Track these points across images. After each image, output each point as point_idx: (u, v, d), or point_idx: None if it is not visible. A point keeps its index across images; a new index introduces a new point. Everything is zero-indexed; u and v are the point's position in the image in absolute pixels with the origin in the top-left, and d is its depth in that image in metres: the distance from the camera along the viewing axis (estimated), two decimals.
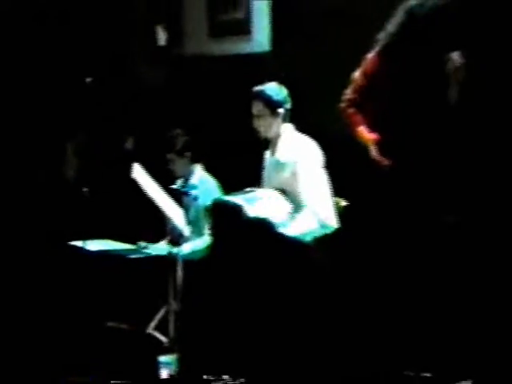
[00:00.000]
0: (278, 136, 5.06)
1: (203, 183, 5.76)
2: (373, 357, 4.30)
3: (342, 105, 4.53)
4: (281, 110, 4.99)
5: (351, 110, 4.45)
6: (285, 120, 5.11)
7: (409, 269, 4.12)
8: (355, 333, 4.35)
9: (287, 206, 4.93)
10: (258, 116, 5.04)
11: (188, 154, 5.79)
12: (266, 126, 5.03)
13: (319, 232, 4.73)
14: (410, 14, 4.40)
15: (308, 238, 4.65)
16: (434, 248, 4.24)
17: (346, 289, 4.44)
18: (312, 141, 5.03)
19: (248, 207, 4.77)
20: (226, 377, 4.38)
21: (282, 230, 4.68)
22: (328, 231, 4.78)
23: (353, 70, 4.52)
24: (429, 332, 4.17)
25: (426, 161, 4.37)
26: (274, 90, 5.06)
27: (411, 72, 4.31)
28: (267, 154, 5.22)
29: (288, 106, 5.09)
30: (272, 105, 5.02)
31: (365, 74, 4.37)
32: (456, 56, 4.40)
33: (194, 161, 5.79)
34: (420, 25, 4.34)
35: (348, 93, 4.46)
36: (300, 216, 4.82)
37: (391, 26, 4.51)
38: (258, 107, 5.05)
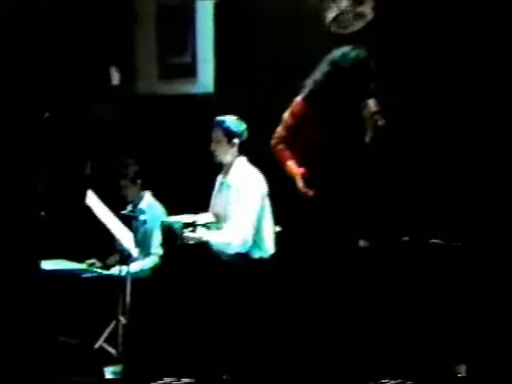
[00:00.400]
0: (231, 163, 5.26)
1: (151, 208, 5.83)
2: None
3: (273, 141, 4.68)
4: (236, 141, 5.21)
5: (281, 146, 4.61)
6: (240, 151, 5.41)
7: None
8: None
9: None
10: (216, 142, 5.24)
11: (139, 181, 5.84)
12: (222, 152, 5.26)
13: (241, 250, 4.90)
14: (335, 64, 4.63)
15: (229, 253, 4.85)
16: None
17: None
18: (259, 173, 5.25)
19: (186, 230, 5.04)
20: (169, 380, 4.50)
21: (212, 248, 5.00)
22: (264, 254, 5.00)
23: (283, 110, 4.65)
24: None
25: (344, 192, 4.52)
26: (234, 122, 5.27)
27: (333, 115, 4.48)
28: (219, 178, 5.36)
29: (243, 138, 5.27)
30: (230, 134, 5.22)
31: (293, 115, 4.55)
32: (372, 103, 4.64)
33: (144, 188, 5.85)
34: (342, 75, 4.55)
35: (278, 131, 4.60)
36: (230, 234, 5.06)
37: (317, 73, 4.69)
38: (217, 134, 5.26)
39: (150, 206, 5.84)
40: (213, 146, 5.30)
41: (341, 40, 5.48)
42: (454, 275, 4.79)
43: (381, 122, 4.60)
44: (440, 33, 5.24)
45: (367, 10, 5.45)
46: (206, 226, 5.23)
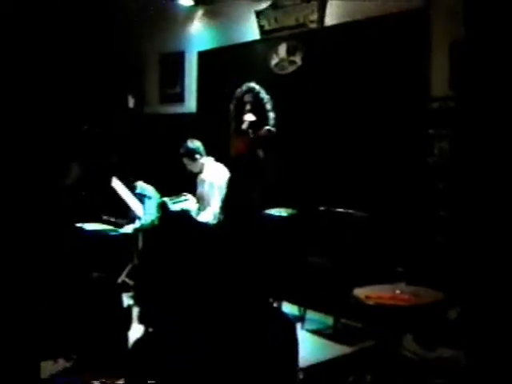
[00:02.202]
0: (202, 166, 5.70)
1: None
2: None
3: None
4: (197, 156, 5.68)
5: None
6: (204, 155, 5.70)
7: None
8: None
9: (195, 205, 5.70)
10: (186, 164, 5.75)
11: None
12: (193, 167, 5.76)
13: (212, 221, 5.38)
14: (239, 99, 5.19)
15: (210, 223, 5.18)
16: None
17: None
18: (222, 166, 5.62)
19: (173, 205, 5.63)
20: None
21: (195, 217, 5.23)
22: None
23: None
24: None
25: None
26: (190, 144, 5.70)
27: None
28: (198, 175, 5.74)
29: (201, 150, 5.68)
30: (191, 155, 5.70)
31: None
32: (265, 130, 5.06)
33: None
34: (241, 104, 5.13)
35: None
36: (206, 211, 5.55)
37: (232, 107, 5.24)
38: (184, 160, 5.74)
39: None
40: (187, 168, 5.77)
41: (279, 78, 6.00)
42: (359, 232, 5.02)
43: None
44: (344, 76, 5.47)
45: (298, 59, 5.82)
46: (184, 200, 5.76)
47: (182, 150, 5.72)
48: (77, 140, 7.14)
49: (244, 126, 5.02)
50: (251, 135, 5.02)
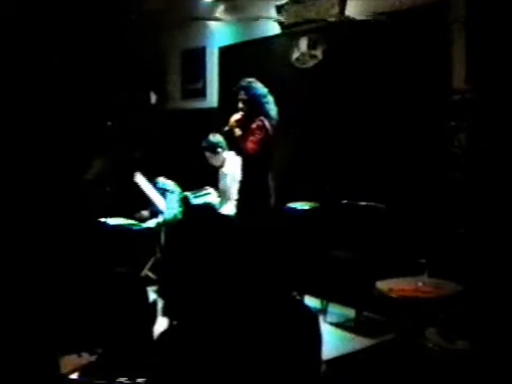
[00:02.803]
0: (224, 160, 5.79)
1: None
2: None
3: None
4: (219, 150, 5.76)
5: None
6: (226, 149, 5.74)
7: None
8: None
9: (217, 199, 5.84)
10: (208, 158, 5.83)
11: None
12: (214, 161, 5.83)
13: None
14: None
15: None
16: None
17: None
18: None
19: (195, 199, 5.77)
20: None
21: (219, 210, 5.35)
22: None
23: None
24: None
25: None
26: (212, 138, 5.77)
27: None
28: (220, 169, 5.82)
29: (223, 144, 5.72)
30: (213, 149, 5.79)
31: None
32: (257, 122, 4.88)
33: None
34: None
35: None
36: (228, 205, 5.61)
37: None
38: (206, 154, 5.81)
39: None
40: (209, 161, 5.83)
41: (300, 72, 6.00)
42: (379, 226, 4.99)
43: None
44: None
45: (319, 53, 5.79)
46: (206, 195, 5.92)
47: (204, 144, 5.76)
48: (100, 136, 7.17)
49: (226, 127, 5.01)
50: (237, 133, 4.98)
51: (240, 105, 4.98)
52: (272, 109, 4.96)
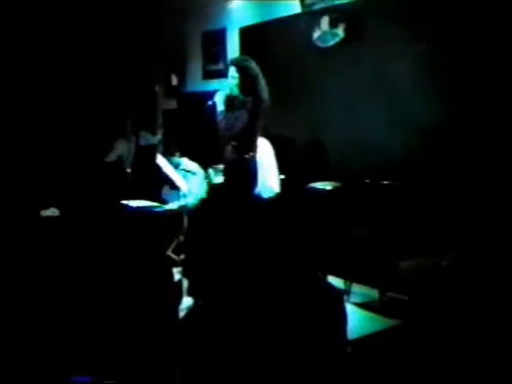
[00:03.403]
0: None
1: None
2: None
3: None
4: None
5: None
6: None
7: None
8: None
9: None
10: None
11: None
12: None
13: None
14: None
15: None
16: None
17: None
18: (267, 142, 5.46)
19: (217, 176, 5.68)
20: None
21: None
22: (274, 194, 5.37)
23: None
24: None
25: None
26: None
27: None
28: None
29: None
30: None
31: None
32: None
33: None
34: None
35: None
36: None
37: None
38: None
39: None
40: None
41: (321, 51, 5.93)
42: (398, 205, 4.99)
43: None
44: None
45: (340, 31, 5.71)
46: None
47: None
48: (122, 119, 7.23)
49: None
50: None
51: (230, 80, 4.97)
52: (263, 90, 4.88)
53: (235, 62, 5.02)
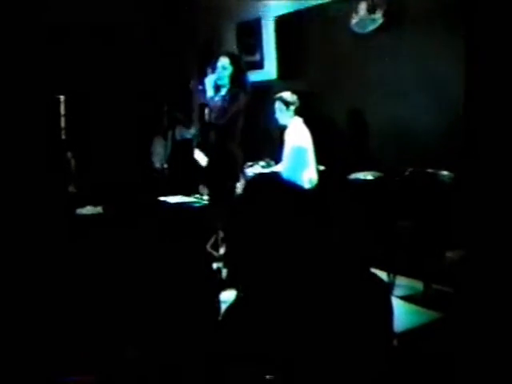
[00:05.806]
0: (289, 122, 5.80)
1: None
2: None
3: None
4: (292, 107, 5.78)
5: None
6: (295, 114, 5.79)
7: None
8: None
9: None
10: (277, 109, 5.84)
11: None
12: (282, 116, 5.84)
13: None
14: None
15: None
16: None
17: None
18: (304, 131, 5.68)
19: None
20: None
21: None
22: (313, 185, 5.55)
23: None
24: None
25: None
26: (288, 95, 5.83)
27: None
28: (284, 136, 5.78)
29: (296, 105, 5.79)
30: (286, 102, 5.81)
31: None
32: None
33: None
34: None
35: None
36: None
37: None
38: (277, 104, 5.84)
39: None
40: (277, 114, 5.84)
41: (359, 37, 5.92)
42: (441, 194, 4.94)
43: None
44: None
45: (378, 17, 5.68)
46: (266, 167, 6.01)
47: (280, 94, 5.88)
48: (159, 116, 7.19)
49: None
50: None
51: (219, 69, 5.32)
52: (249, 81, 5.40)
53: (230, 54, 5.43)
